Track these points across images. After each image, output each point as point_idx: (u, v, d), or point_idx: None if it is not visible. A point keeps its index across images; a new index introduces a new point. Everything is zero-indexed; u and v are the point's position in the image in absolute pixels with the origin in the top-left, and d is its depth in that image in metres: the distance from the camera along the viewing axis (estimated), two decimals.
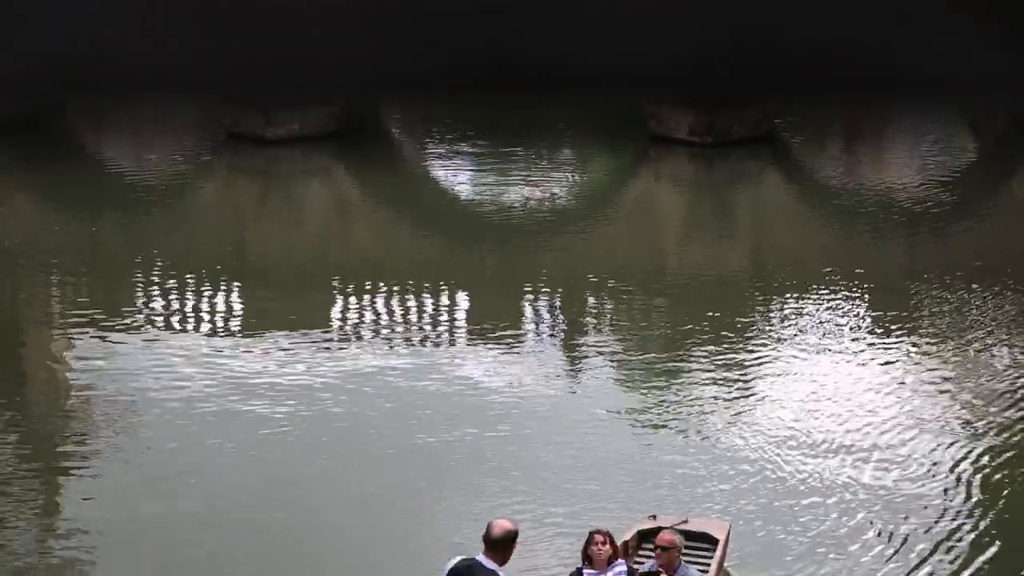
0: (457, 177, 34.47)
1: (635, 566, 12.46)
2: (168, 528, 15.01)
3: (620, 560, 12.44)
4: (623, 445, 17.13)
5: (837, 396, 18.75)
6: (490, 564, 10.34)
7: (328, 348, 20.76)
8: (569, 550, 13.90)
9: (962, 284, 24.06)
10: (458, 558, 10.55)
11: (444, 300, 23.29)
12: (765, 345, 21.00)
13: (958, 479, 16.16)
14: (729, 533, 13.72)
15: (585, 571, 12.41)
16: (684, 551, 12.39)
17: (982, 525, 15.05)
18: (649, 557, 12.50)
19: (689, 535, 13.04)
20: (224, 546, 14.69)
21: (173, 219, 29.92)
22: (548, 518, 14.99)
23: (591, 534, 12.47)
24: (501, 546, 10.37)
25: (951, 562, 14.27)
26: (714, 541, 13.43)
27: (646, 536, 12.92)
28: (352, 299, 23.54)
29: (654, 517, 13.70)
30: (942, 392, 18.99)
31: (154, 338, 21.20)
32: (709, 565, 13.01)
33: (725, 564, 13.46)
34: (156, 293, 23.63)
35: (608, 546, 12.34)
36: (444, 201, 32.47)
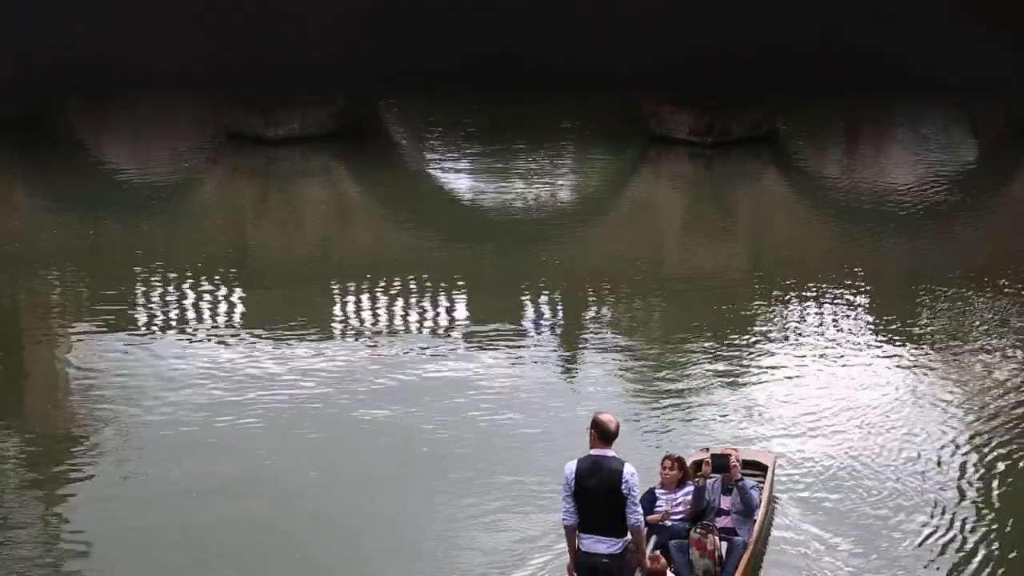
0: (457, 177, 34.49)
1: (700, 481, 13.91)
2: (169, 531, 15.01)
3: (689, 482, 14.03)
4: (624, 443, 17.11)
5: (837, 395, 18.77)
6: (610, 453, 11.66)
7: (329, 349, 20.76)
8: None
9: (962, 284, 24.07)
10: (573, 462, 11.75)
11: (444, 300, 23.28)
12: (765, 345, 21.01)
13: (957, 477, 16.19)
14: (775, 462, 15.45)
15: (657, 491, 13.98)
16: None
17: (980, 521, 15.08)
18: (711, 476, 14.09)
19: (741, 463, 14.48)
20: (226, 549, 14.69)
21: (173, 219, 29.94)
22: (557, 513, 15.03)
23: (663, 459, 14.27)
24: (615, 437, 11.73)
25: (950, 558, 14.31)
26: (763, 468, 15.10)
27: (700, 466, 14.17)
28: (352, 299, 23.55)
29: (707, 449, 15.22)
30: (942, 392, 19.01)
31: (155, 339, 21.21)
32: (762, 487, 14.57)
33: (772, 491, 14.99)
34: (156, 293, 23.65)
35: (676, 470, 14.07)
36: (444, 201, 32.48)
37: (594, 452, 11.70)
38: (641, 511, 11.75)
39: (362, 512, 15.46)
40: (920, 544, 14.54)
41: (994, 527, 15.00)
